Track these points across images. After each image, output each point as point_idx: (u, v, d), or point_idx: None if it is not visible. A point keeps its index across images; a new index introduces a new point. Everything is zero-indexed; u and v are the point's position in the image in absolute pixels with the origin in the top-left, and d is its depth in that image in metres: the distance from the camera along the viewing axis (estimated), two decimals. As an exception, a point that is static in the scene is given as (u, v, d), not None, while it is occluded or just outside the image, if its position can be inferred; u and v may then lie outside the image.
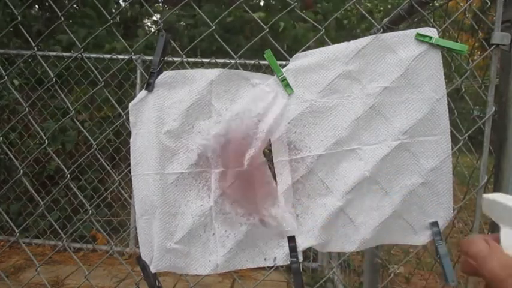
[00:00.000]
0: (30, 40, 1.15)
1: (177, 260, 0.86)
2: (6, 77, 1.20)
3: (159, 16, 4.00)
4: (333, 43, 0.84)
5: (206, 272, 0.86)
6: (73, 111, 1.16)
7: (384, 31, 0.86)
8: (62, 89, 2.96)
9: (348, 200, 0.82)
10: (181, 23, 3.09)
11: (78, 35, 3.06)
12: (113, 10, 3.20)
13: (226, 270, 0.85)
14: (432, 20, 1.10)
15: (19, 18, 1.22)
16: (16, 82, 3.07)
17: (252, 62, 2.86)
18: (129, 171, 0.90)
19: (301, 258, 0.83)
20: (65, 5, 3.08)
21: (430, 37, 0.79)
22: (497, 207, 0.37)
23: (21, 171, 1.18)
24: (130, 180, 0.89)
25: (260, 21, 1.03)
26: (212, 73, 0.86)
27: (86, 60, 1.50)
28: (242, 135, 0.85)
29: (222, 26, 3.16)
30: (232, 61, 0.96)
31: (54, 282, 2.57)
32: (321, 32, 0.90)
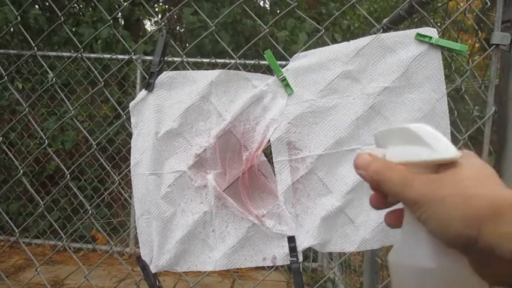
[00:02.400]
0: (30, 40, 1.15)
1: (177, 259, 0.86)
2: (6, 77, 1.20)
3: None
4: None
5: (206, 269, 0.86)
6: (73, 111, 1.16)
7: (383, 31, 0.86)
8: (62, 89, 2.96)
9: (347, 200, 0.82)
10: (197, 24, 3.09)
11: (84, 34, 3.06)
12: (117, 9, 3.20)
13: (226, 268, 0.85)
14: (432, 20, 1.10)
15: (18, 18, 1.22)
16: (20, 85, 3.08)
17: (252, 62, 2.86)
18: (129, 171, 0.90)
19: (301, 258, 0.83)
20: (66, 6, 3.08)
21: (430, 37, 0.79)
22: (385, 136, 0.40)
23: (21, 171, 1.18)
24: (130, 180, 0.89)
25: (260, 21, 1.03)
26: (212, 74, 0.86)
27: (85, 60, 1.50)
28: (241, 136, 0.85)
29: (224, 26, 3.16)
30: (232, 61, 0.96)
31: (54, 282, 2.57)
32: (321, 32, 0.90)
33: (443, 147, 0.34)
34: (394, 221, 0.40)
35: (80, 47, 1.09)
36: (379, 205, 0.40)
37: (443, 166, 0.34)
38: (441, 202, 0.32)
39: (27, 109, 1.17)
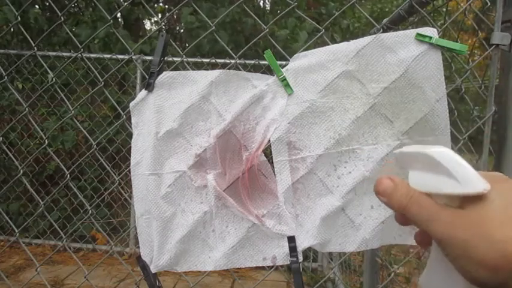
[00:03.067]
0: (30, 40, 1.15)
1: (177, 259, 0.86)
2: (6, 77, 1.20)
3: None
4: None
5: (206, 269, 0.86)
6: (73, 111, 1.16)
7: (383, 31, 0.86)
8: (62, 89, 2.96)
9: (347, 200, 0.82)
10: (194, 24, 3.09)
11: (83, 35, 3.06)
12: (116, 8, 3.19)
13: (226, 268, 0.85)
14: (432, 20, 1.10)
15: (19, 18, 1.22)
16: (20, 85, 3.08)
17: (252, 62, 2.86)
18: (129, 171, 0.90)
19: (301, 258, 0.83)
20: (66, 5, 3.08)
21: (430, 37, 0.79)
22: (406, 157, 0.39)
23: (21, 171, 1.18)
24: (130, 180, 0.89)
25: (260, 21, 1.03)
26: (212, 74, 0.86)
27: (85, 60, 1.50)
28: (241, 136, 0.85)
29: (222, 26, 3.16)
30: (232, 61, 0.96)
31: (54, 282, 2.57)
32: (321, 32, 0.90)
33: (470, 179, 0.32)
34: (422, 242, 0.39)
35: (80, 47, 1.09)
36: (405, 223, 0.39)
37: (469, 198, 0.32)
38: (466, 245, 0.30)
39: (27, 109, 1.17)
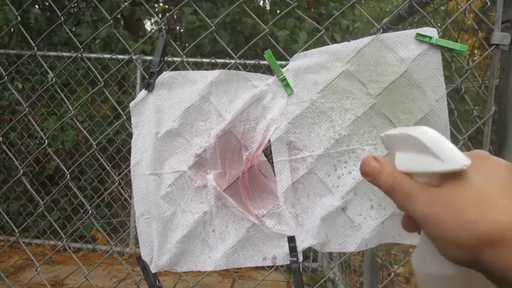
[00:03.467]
0: (30, 40, 1.15)
1: (177, 259, 0.86)
2: (6, 77, 1.20)
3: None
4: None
5: (206, 269, 0.86)
6: (73, 111, 1.16)
7: (383, 31, 0.86)
8: (62, 89, 2.96)
9: (347, 200, 0.82)
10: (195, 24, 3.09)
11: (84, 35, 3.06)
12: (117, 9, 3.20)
13: (226, 268, 0.85)
14: (432, 21, 1.10)
15: (19, 18, 1.22)
16: (20, 85, 3.08)
17: (252, 62, 2.86)
18: (129, 171, 0.90)
19: (301, 258, 0.83)
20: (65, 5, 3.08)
21: (430, 37, 0.79)
22: (392, 140, 0.39)
23: (21, 171, 1.18)
24: (130, 180, 0.89)
25: (259, 21, 1.03)
26: (212, 74, 0.86)
27: (85, 60, 1.50)
28: (241, 136, 0.85)
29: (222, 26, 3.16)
30: (232, 61, 0.96)
31: (54, 282, 2.57)
32: (321, 32, 0.90)
33: (451, 157, 0.32)
34: (407, 225, 0.39)
35: (80, 47, 1.09)
36: (410, 229, 0.39)
37: (448, 176, 0.32)
38: (441, 226, 0.31)
39: (27, 109, 1.17)
